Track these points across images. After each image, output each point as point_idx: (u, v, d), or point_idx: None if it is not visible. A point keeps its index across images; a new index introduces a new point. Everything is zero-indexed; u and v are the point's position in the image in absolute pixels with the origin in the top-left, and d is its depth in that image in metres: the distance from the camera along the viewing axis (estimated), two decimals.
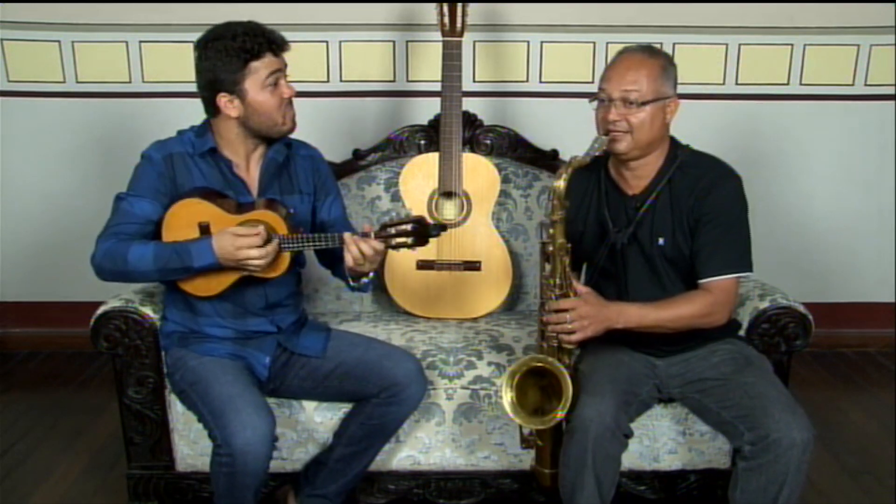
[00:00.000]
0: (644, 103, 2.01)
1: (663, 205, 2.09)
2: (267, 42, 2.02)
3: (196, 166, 2.10)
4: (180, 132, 2.16)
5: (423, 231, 2.00)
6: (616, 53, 2.09)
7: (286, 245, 2.03)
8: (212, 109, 2.09)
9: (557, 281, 2.00)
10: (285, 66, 2.09)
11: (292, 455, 2.30)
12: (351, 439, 2.20)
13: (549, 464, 2.08)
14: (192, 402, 2.11)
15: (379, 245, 2.01)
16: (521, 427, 2.11)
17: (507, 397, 1.98)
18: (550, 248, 1.99)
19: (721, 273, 2.05)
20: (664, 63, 2.06)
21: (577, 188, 2.11)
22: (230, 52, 2.00)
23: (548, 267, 2.01)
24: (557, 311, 1.97)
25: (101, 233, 2.06)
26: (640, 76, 2.01)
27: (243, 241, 1.97)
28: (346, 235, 2.01)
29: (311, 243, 2.05)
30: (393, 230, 2.00)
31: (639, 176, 2.11)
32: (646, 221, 2.10)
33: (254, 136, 2.11)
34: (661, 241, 2.09)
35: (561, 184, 1.97)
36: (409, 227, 1.99)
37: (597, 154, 2.02)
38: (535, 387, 2.03)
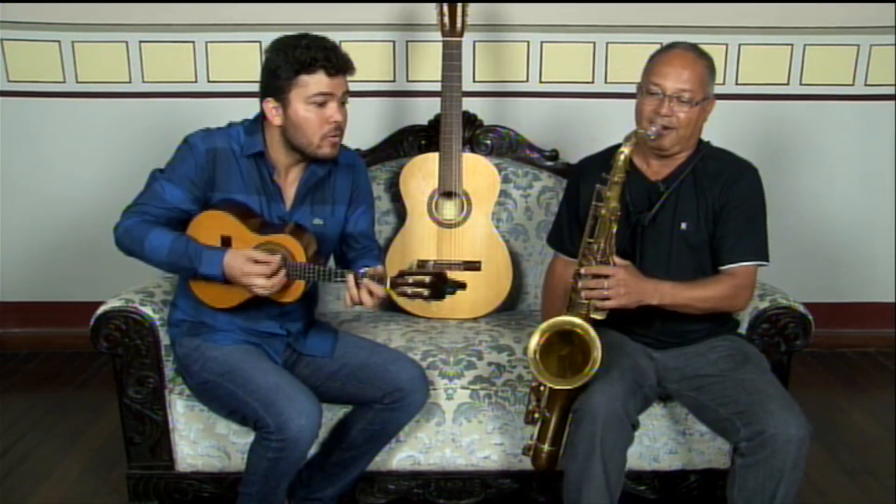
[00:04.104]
0: (697, 103, 2.06)
1: (687, 191, 2.14)
2: (324, 60, 1.98)
3: (238, 166, 2.09)
4: (230, 125, 2.13)
5: (440, 287, 1.92)
6: (665, 48, 2.12)
7: (301, 275, 2.01)
8: (262, 113, 2.08)
9: (602, 246, 2.01)
10: (345, 92, 2.04)
11: None
12: (350, 444, 2.19)
13: (551, 440, 2.06)
14: (223, 391, 2.08)
15: (381, 293, 1.97)
16: (528, 401, 2.11)
17: (532, 346, 1.97)
18: (603, 211, 2.00)
19: (745, 259, 2.12)
20: (710, 64, 2.12)
21: (597, 174, 2.08)
22: (287, 60, 1.98)
23: (594, 231, 2.02)
24: (596, 276, 1.98)
25: (129, 205, 2.07)
26: (694, 76, 2.06)
27: (252, 267, 1.97)
28: (350, 280, 1.98)
29: (324, 279, 2.03)
30: (410, 279, 1.92)
31: (666, 164, 2.16)
32: (668, 206, 2.14)
33: (293, 150, 2.08)
34: (683, 225, 2.14)
35: (627, 150, 1.99)
36: (426, 279, 1.91)
37: (652, 139, 2.06)
38: (555, 355, 2.02)
